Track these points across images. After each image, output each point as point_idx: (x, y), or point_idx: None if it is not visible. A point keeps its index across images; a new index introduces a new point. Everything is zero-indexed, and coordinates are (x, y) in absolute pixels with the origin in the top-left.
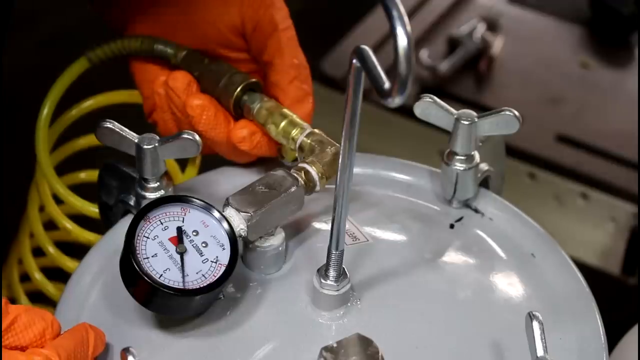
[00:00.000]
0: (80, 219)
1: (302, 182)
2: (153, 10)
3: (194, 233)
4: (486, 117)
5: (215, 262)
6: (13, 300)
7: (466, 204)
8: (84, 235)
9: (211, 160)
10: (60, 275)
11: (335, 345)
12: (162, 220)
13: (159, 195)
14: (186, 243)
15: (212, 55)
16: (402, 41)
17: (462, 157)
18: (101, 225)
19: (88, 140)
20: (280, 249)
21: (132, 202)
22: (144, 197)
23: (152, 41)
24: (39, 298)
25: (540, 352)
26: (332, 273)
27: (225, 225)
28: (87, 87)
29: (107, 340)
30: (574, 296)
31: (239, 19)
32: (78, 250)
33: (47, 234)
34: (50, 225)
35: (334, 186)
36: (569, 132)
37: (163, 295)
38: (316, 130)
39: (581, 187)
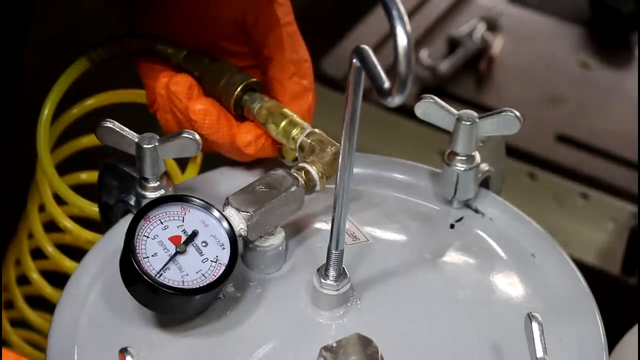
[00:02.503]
0: (81, 221)
1: (302, 182)
2: (157, 2)
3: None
4: (487, 118)
5: (215, 262)
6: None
7: (466, 204)
8: (84, 235)
9: (211, 159)
10: (58, 281)
11: (334, 344)
12: (162, 220)
13: (159, 195)
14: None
15: (214, 49)
16: (402, 41)
17: (463, 158)
18: (102, 226)
19: (89, 140)
20: (280, 248)
21: (132, 202)
22: (144, 197)
23: (153, 41)
24: (37, 300)
25: (539, 353)
26: (332, 273)
27: (225, 224)
28: (88, 87)
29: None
30: (574, 296)
31: (240, 12)
32: (77, 253)
33: (46, 235)
34: (50, 226)
35: (334, 186)
36: (569, 132)
37: (163, 294)
38: (316, 130)
39: (581, 187)
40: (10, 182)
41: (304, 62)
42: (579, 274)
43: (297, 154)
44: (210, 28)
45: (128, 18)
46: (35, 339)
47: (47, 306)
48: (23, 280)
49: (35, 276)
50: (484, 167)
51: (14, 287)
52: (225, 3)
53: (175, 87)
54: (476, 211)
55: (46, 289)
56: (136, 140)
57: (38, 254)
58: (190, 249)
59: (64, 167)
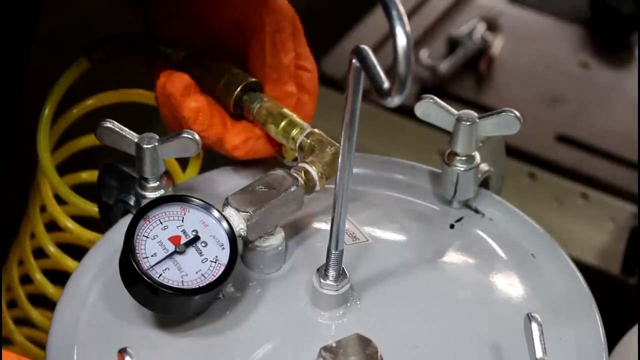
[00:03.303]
0: (82, 220)
1: (302, 182)
2: (158, 2)
3: (194, 233)
4: (487, 118)
5: (215, 262)
6: (14, 302)
7: (466, 204)
8: (85, 235)
9: (212, 159)
10: (61, 279)
11: (334, 345)
12: (162, 220)
13: (158, 195)
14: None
15: (217, 49)
16: (402, 41)
17: (463, 158)
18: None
19: (89, 140)
20: (280, 248)
21: (132, 202)
22: (144, 197)
23: (153, 41)
24: (39, 299)
25: (539, 353)
26: (331, 273)
27: (225, 224)
28: (88, 87)
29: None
30: (574, 296)
31: (239, 14)
32: (79, 253)
33: (48, 235)
34: (51, 226)
35: (333, 186)
36: (568, 132)
37: (162, 294)
38: (316, 130)
39: (581, 187)
40: (11, 182)
41: (287, 68)
42: (579, 274)
43: (297, 154)
44: (213, 29)
45: (142, 18)
46: (39, 336)
47: (49, 304)
48: (26, 279)
49: (38, 276)
50: (484, 167)
51: (18, 287)
52: (227, 5)
53: (171, 87)
54: (476, 211)
55: (49, 288)
56: (136, 140)
57: (40, 252)
58: (190, 249)
59: (65, 167)
